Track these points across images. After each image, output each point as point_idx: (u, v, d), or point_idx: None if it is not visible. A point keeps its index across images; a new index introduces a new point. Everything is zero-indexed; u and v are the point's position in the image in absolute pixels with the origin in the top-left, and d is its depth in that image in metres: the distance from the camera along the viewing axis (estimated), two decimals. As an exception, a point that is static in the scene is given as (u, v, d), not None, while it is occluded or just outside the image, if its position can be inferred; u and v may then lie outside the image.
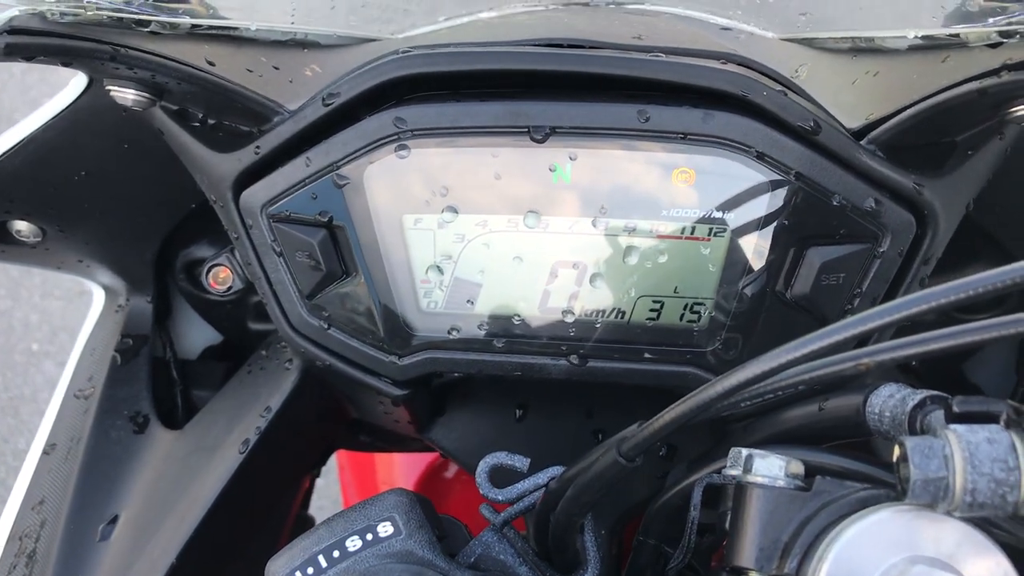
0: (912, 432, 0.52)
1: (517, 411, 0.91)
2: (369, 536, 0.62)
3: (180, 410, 1.03)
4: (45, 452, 0.92)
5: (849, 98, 0.73)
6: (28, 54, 0.65)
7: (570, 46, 0.69)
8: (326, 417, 1.00)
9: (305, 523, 1.24)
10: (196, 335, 1.09)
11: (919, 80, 0.69)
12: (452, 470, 1.54)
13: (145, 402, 0.96)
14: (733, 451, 0.58)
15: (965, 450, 0.43)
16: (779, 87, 0.68)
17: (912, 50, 0.70)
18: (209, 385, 1.06)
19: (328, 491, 2.21)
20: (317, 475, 1.24)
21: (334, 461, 1.63)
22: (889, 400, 0.56)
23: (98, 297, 1.06)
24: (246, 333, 1.05)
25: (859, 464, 0.57)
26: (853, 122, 0.70)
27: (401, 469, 1.58)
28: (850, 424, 0.60)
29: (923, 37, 0.69)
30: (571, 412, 0.91)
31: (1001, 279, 0.44)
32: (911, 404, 0.53)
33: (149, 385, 0.98)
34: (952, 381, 1.00)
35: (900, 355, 0.50)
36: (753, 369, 0.52)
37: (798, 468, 0.55)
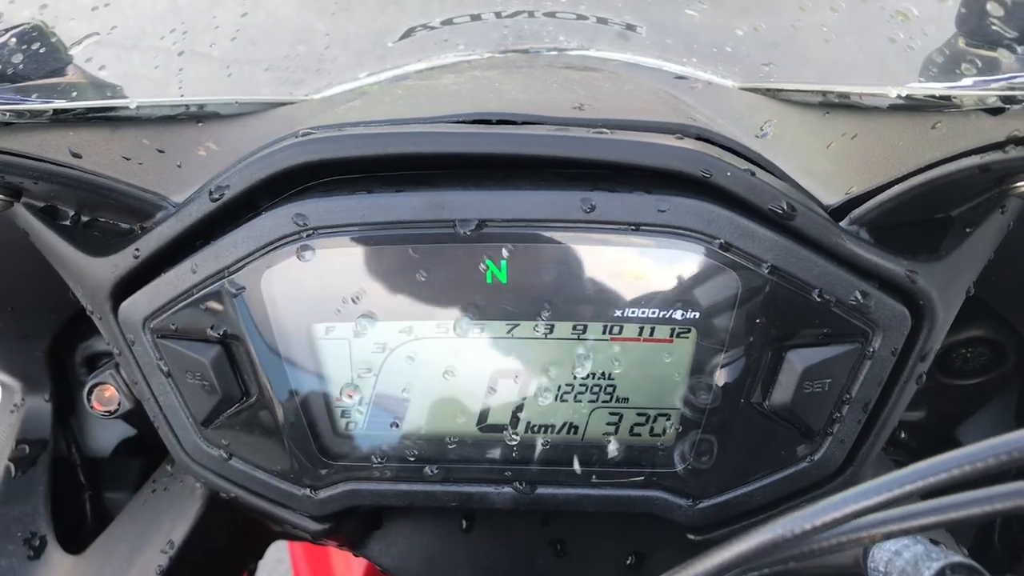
0: (928, 609, 0.43)
1: (464, 521, 0.80)
2: None
3: (89, 519, 0.91)
4: None
5: (825, 165, 0.63)
6: None
7: (500, 122, 0.59)
8: (244, 534, 0.88)
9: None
10: (107, 430, 0.96)
11: (906, 148, 0.59)
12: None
13: (42, 521, 0.84)
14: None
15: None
16: (745, 164, 0.58)
17: (894, 110, 0.60)
18: (123, 486, 0.94)
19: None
20: (254, 569, 1.12)
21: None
22: (896, 559, 0.46)
23: (-9, 396, 0.93)
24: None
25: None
26: (831, 197, 0.60)
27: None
28: (850, 575, 0.51)
29: (906, 97, 0.59)
30: (526, 520, 0.80)
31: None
32: (927, 573, 0.43)
33: (48, 499, 0.85)
34: (945, 441, 0.90)
35: (909, 527, 0.40)
36: (735, 549, 0.43)
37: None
